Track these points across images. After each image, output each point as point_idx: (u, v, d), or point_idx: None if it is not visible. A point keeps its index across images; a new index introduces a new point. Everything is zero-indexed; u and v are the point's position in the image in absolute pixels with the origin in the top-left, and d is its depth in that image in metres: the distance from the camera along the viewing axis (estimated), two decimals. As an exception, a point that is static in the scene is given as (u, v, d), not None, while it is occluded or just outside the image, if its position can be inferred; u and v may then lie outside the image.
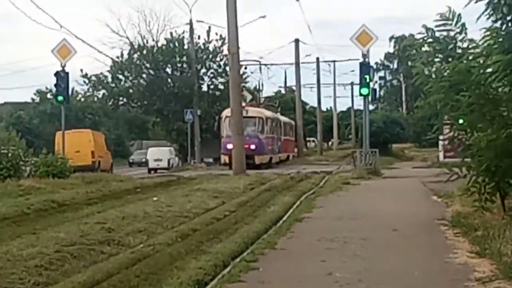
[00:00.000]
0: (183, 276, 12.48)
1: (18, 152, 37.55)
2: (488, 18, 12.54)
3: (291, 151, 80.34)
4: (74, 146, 50.14)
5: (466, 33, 18.04)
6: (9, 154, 36.39)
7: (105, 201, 28.25)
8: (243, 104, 58.02)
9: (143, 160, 72.40)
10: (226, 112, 58.79)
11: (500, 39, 13.57)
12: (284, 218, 21.78)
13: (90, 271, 13.26)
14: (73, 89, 66.08)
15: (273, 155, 62.58)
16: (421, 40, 19.58)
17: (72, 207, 25.96)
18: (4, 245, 15.98)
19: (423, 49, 20.12)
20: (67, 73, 44.04)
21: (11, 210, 23.81)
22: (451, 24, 18.08)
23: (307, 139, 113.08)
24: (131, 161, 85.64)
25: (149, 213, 21.43)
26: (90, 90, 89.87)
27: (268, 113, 63.71)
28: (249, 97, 69.64)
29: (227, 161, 56.55)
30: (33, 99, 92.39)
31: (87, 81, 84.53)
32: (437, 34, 18.75)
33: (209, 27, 79.22)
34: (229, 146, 53.53)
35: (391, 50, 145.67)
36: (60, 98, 46.00)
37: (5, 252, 14.66)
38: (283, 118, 78.79)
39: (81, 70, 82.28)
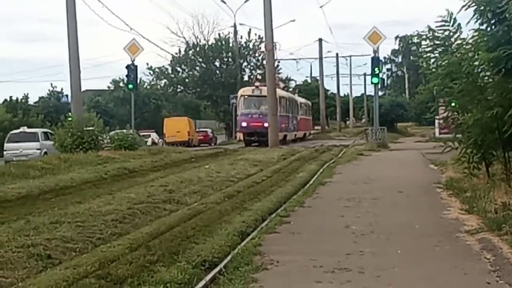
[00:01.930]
0: (229, 228, 12.53)
1: (97, 129, 37.76)
2: (476, 22, 12.45)
3: (308, 129, 73.97)
4: (175, 128, 58.61)
5: (461, 32, 17.95)
6: (90, 131, 36.57)
7: (166, 169, 28.31)
8: (257, 83, 56.18)
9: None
10: (241, 92, 55.77)
11: (485, 39, 13.46)
12: (310, 182, 21.76)
13: (155, 224, 13.34)
14: (140, 79, 66.20)
15: (287, 132, 55.89)
16: (424, 36, 19.46)
17: (140, 173, 26.06)
18: (86, 203, 16.08)
19: (424, 43, 19.99)
20: (136, 66, 44.40)
21: (92, 176, 23.93)
22: (448, 25, 17.97)
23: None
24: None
25: (202, 178, 21.47)
26: (154, 80, 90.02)
27: (283, 93, 57.54)
28: (281, 85, 68.75)
29: (241, 138, 53.08)
30: (108, 87, 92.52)
31: (152, 72, 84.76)
32: (437, 33, 18.64)
33: (250, 29, 79.02)
34: (244, 124, 51.17)
35: (396, 47, 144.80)
36: (130, 86, 46.63)
37: (88, 208, 14.75)
38: (300, 99, 73.56)
39: (147, 64, 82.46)
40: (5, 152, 43.61)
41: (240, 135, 53.26)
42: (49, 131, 45.27)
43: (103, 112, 61.95)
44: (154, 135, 63.05)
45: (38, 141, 44.16)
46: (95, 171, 25.28)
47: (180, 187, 19.07)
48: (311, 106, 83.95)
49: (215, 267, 9.57)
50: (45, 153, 41.73)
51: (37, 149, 43.25)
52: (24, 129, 44.42)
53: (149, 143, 55.42)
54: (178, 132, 58.63)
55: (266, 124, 47.79)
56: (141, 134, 55.64)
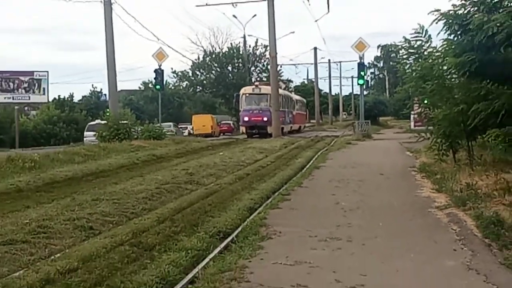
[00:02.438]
0: (240, 204, 12.55)
1: (130, 123, 37.90)
2: (445, 33, 12.47)
3: (302, 122, 71.02)
4: (202, 123, 60.05)
5: (431, 42, 17.95)
6: (124, 124, 36.72)
7: (187, 155, 28.30)
8: (257, 83, 55.56)
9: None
10: (243, 90, 53.47)
11: (453, 47, 13.45)
12: (307, 166, 21.72)
13: (178, 201, 13.37)
14: (166, 81, 66.08)
15: (284, 125, 51.31)
16: (400, 46, 19.49)
17: (166, 159, 26.06)
18: (121, 184, 16.11)
19: (401, 51, 20.03)
20: (162, 70, 44.41)
21: (126, 161, 23.94)
22: (421, 36, 17.98)
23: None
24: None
25: (217, 163, 21.48)
26: (177, 81, 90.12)
27: (279, 91, 51.91)
28: (283, 86, 68.39)
29: (244, 131, 51.23)
30: (139, 88, 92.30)
31: (175, 75, 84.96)
32: (411, 43, 18.65)
33: (257, 39, 78.94)
34: (246, 118, 49.58)
35: (378, 54, 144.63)
36: (158, 87, 46.61)
37: (123, 188, 14.78)
38: (295, 96, 70.75)
39: (172, 68, 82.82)
40: (85, 138, 45.90)
41: (243, 128, 51.92)
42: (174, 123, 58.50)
43: (135, 109, 61.95)
44: (190, 127, 64.66)
45: (171, 127, 53.26)
46: (128, 157, 25.34)
47: (199, 170, 19.10)
48: (307, 103, 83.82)
49: (228, 237, 9.62)
50: (174, 134, 50.05)
51: (171, 133, 48.91)
52: (99, 121, 45.32)
53: (185, 133, 58.08)
54: (203, 126, 59.86)
55: (265, 119, 47.55)
56: (179, 126, 61.37)
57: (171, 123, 60.54)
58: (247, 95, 50.55)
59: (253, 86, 52.51)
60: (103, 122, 41.50)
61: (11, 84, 52.26)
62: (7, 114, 56.63)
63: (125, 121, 37.46)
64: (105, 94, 72.51)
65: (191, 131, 62.19)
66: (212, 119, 64.94)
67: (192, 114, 75.50)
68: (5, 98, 52.00)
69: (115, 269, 7.71)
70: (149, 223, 10.68)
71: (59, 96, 68.27)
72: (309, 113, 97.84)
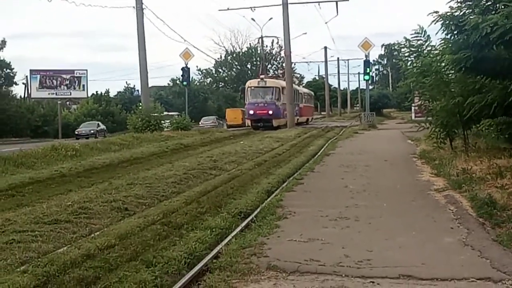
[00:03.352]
0: (258, 188, 12.57)
1: (159, 114, 38.04)
2: (442, 32, 12.39)
3: (310, 115, 64.30)
4: (234, 115, 58.91)
5: (430, 41, 17.89)
6: (155, 116, 36.88)
7: (211, 144, 28.40)
8: (262, 76, 50.27)
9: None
10: (248, 83, 48.59)
11: (450, 45, 13.37)
12: (318, 153, 21.73)
13: (204, 185, 13.41)
14: (192, 77, 65.87)
15: None
16: (402, 45, 19.45)
17: (192, 148, 26.17)
18: (153, 170, 16.19)
19: (403, 50, 19.98)
20: (189, 68, 44.46)
21: (157, 149, 24.05)
22: (421, 36, 17.91)
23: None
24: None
25: (238, 150, 21.49)
26: (202, 78, 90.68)
27: (285, 84, 47.08)
28: (296, 81, 67.97)
29: (250, 124, 45.93)
30: (168, 84, 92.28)
31: (200, 72, 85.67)
32: (412, 42, 18.60)
33: (273, 40, 79.19)
34: (251, 112, 44.49)
35: (382, 52, 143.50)
36: (184, 83, 46.81)
37: (154, 174, 14.83)
38: (303, 89, 64.91)
39: (197, 66, 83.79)
40: (200, 124, 57.83)
41: (248, 122, 46.62)
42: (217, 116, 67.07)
43: (165, 103, 62.15)
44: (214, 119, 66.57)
45: (215, 121, 63.71)
46: (159, 146, 25.47)
47: (222, 157, 19.13)
48: (318, 97, 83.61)
49: (248, 217, 9.63)
50: (216, 126, 59.25)
51: (213, 124, 59.67)
52: (211, 117, 60.83)
53: (224, 126, 58.55)
54: (235, 118, 59.08)
55: (270, 112, 43.70)
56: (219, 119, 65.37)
57: (214, 117, 65.42)
58: (252, 88, 45.81)
59: (258, 79, 47.54)
60: (213, 116, 54.80)
61: (54, 81, 52.39)
62: (51, 108, 57.09)
63: (155, 114, 37.63)
64: (137, 90, 72.82)
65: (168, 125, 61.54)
66: (242, 112, 64.47)
67: (215, 107, 75.98)
68: (49, 94, 52.19)
69: (148, 245, 7.75)
70: (178, 204, 10.72)
71: (96, 91, 68.69)
72: (319, 105, 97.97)
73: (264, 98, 43.64)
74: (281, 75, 58.14)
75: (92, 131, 49.62)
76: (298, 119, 51.16)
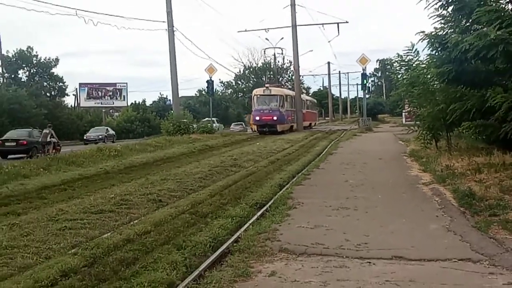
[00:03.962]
0: (272, 182, 12.57)
1: (187, 120, 38.13)
2: (428, 49, 12.35)
3: (313, 120, 59.55)
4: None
5: (419, 56, 17.86)
6: (184, 122, 36.99)
7: (232, 145, 28.35)
8: (267, 84, 46.35)
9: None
10: (254, 92, 44.80)
11: (434, 60, 13.32)
12: (323, 153, 21.65)
13: (225, 180, 13.42)
14: (215, 89, 65.86)
15: (293, 123, 44.70)
16: (394, 60, 19.47)
17: (216, 148, 26.16)
18: (182, 167, 16.21)
19: (395, 64, 19.96)
20: (213, 81, 44.25)
21: (186, 150, 24.10)
22: (411, 52, 17.88)
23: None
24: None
25: (254, 150, 21.49)
26: (224, 89, 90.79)
27: (288, 92, 45.41)
28: (304, 92, 67.62)
29: (255, 129, 41.82)
30: (195, 94, 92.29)
31: (222, 84, 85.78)
32: (403, 57, 18.59)
33: (283, 56, 79.10)
34: (257, 118, 40.78)
35: (377, 66, 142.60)
36: (209, 93, 46.46)
37: (183, 170, 14.88)
38: (306, 97, 60.05)
39: (220, 79, 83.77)
40: (231, 128, 54.88)
41: (254, 127, 42.29)
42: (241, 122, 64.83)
43: (192, 110, 62.09)
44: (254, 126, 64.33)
45: (242, 125, 59.90)
46: (187, 147, 25.53)
47: (241, 156, 19.14)
48: (320, 104, 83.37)
49: (263, 207, 9.63)
50: (243, 130, 54.70)
51: (241, 129, 56.45)
52: (240, 123, 58.56)
53: (249, 130, 52.54)
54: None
55: (275, 118, 40.01)
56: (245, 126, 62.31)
57: (242, 122, 63.75)
58: (258, 96, 42.15)
59: (264, 88, 43.73)
60: (239, 122, 51.56)
61: (99, 92, 52.84)
62: (96, 115, 57.42)
63: (185, 120, 37.72)
64: (169, 99, 72.82)
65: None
66: None
67: (235, 114, 75.99)
68: (95, 103, 52.67)
69: (179, 231, 7.78)
70: (204, 196, 10.75)
71: (135, 101, 68.89)
72: (324, 111, 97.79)
73: (269, 105, 40.58)
74: (291, 86, 57.52)
75: (100, 136, 45.35)
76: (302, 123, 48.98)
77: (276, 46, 63.81)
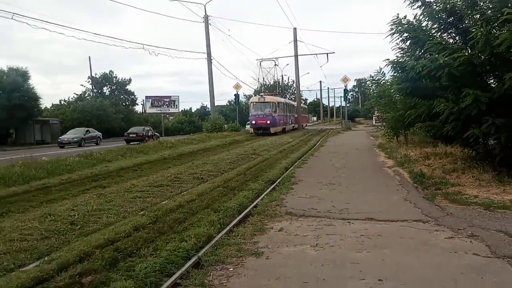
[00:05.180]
0: (280, 165, 12.53)
1: (221, 122, 38.12)
2: (392, 71, 12.23)
3: (304, 122, 53.22)
4: None
5: (385, 76, 17.69)
6: (218, 123, 37.03)
7: (252, 139, 28.31)
8: (262, 93, 40.77)
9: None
10: (251, 99, 39.22)
11: (396, 79, 13.18)
12: (316, 145, 21.52)
13: (247, 164, 13.39)
14: (240, 100, 65.79)
15: (285, 126, 39.24)
16: (368, 80, 19.41)
17: (241, 142, 26.15)
18: (217, 155, 16.24)
19: (368, 82, 19.84)
20: (238, 95, 44.05)
21: (219, 143, 24.16)
22: (380, 74, 17.72)
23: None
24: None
25: (268, 144, 21.44)
26: (247, 100, 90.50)
27: (280, 99, 39.10)
28: (302, 102, 66.90)
29: (252, 131, 35.41)
30: (227, 104, 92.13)
31: (246, 97, 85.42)
32: (375, 77, 18.44)
33: (288, 77, 79.06)
34: (253, 122, 35.34)
35: (355, 84, 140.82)
36: (236, 103, 46.27)
37: (218, 157, 14.92)
38: (301, 105, 50.92)
39: (243, 93, 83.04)
40: (247, 127, 42.28)
41: (251, 129, 36.08)
42: None
43: (224, 115, 62.00)
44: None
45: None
46: (221, 141, 25.55)
47: (258, 147, 19.13)
48: (314, 110, 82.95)
49: (274, 183, 9.63)
50: None
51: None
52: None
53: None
54: None
55: (268, 122, 34.82)
56: None
57: None
58: (254, 103, 36.74)
59: (259, 96, 38.15)
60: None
61: (159, 102, 52.85)
62: (157, 119, 57.65)
63: (219, 121, 37.73)
64: (208, 108, 73.03)
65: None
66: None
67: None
68: (156, 110, 52.68)
69: (215, 199, 7.82)
70: (232, 175, 10.78)
71: (184, 108, 69.32)
72: (317, 116, 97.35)
73: (264, 111, 35.27)
74: (293, 98, 56.68)
75: (75, 139, 30.35)
76: (293, 126, 43.91)
77: (283, 69, 63.52)
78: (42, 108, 40.55)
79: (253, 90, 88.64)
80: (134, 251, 4.95)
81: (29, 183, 10.27)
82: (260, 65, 41.60)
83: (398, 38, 10.65)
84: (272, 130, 35.03)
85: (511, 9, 7.58)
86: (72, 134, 31.91)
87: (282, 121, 38.30)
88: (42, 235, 5.70)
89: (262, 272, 4.29)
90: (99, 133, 34.89)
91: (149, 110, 53.99)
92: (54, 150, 25.45)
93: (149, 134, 32.81)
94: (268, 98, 36.37)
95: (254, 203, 7.46)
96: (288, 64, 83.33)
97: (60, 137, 31.56)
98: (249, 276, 4.21)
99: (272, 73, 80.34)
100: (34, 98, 35.46)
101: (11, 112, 32.92)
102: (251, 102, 37.66)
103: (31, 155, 15.78)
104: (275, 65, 44.55)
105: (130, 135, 32.16)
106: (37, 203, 8.06)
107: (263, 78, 75.32)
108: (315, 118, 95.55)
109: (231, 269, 4.40)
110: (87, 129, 34.07)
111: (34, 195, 8.95)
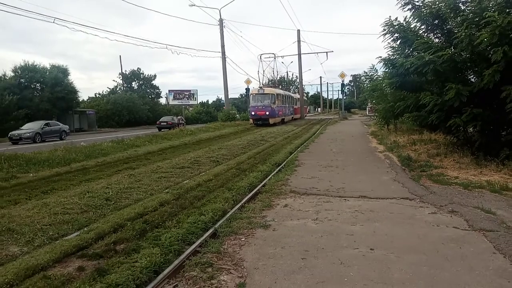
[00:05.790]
0: (285, 150, 12.46)
1: (233, 112, 38.03)
2: (384, 68, 12.05)
3: (305, 113, 50.44)
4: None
5: (377, 72, 17.48)
6: (232, 113, 36.96)
7: (261, 128, 28.27)
8: (261, 85, 36.27)
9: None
10: (251, 91, 33.94)
11: (387, 74, 12.99)
12: (316, 132, 21.37)
13: (257, 149, 13.35)
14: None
15: (284, 116, 35.13)
16: (362, 75, 19.15)
17: (251, 129, 26.06)
18: (231, 141, 16.23)
19: (362, 77, 19.58)
20: (249, 89, 43.30)
21: (233, 131, 24.05)
22: (373, 70, 17.53)
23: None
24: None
25: (275, 131, 21.36)
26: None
27: (279, 91, 35.30)
28: (305, 95, 66.35)
29: (252, 122, 31.46)
30: (239, 96, 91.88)
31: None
32: (368, 73, 18.19)
33: (292, 73, 77.78)
34: (253, 113, 31.38)
35: (351, 79, 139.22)
36: (247, 96, 45.38)
37: (231, 143, 14.92)
38: (296, 95, 46.13)
39: (253, 87, 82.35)
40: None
41: (251, 120, 32.05)
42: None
43: (237, 107, 62.09)
44: None
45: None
46: (234, 129, 25.53)
47: (267, 135, 19.09)
48: (315, 102, 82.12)
49: (280, 165, 9.61)
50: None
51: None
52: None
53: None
54: None
55: (267, 113, 30.96)
56: None
57: None
58: (254, 95, 32.59)
59: (258, 88, 34.05)
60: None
61: (180, 95, 52.86)
62: (179, 109, 57.65)
63: (232, 112, 37.61)
64: (223, 100, 72.89)
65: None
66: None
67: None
68: (178, 102, 52.76)
69: (228, 179, 7.85)
70: (243, 159, 10.79)
71: (202, 101, 69.07)
72: (317, 107, 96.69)
73: (263, 102, 31.59)
74: (297, 90, 56.02)
75: (29, 134, 21.77)
76: (292, 116, 39.93)
77: (288, 66, 62.82)
78: (80, 100, 40.80)
79: (259, 83, 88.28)
80: (160, 223, 5.02)
81: (69, 165, 10.40)
82: (261, 58, 39.85)
83: (389, 38, 10.49)
84: (271, 121, 31.73)
85: (492, 13, 7.44)
86: (25, 129, 22.61)
87: (281, 112, 35.10)
88: (81, 209, 5.80)
89: (269, 241, 4.34)
90: (65, 126, 26.07)
91: (172, 102, 54.06)
92: (92, 136, 25.67)
93: (180, 122, 34.50)
94: (267, 90, 33.11)
95: (263, 183, 7.46)
96: (292, 62, 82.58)
97: (11, 132, 22.14)
98: (258, 245, 4.25)
99: (272, 66, 78.92)
100: (73, 92, 35.91)
101: (54, 104, 33.42)
102: (251, 94, 33.57)
103: (71, 141, 15.94)
104: (274, 58, 42.37)
105: (162, 123, 33.54)
106: (77, 182, 8.18)
107: (263, 71, 74.87)
108: (319, 109, 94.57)
109: (243, 239, 4.45)
110: (46, 122, 24.11)
111: (74, 175, 9.07)
